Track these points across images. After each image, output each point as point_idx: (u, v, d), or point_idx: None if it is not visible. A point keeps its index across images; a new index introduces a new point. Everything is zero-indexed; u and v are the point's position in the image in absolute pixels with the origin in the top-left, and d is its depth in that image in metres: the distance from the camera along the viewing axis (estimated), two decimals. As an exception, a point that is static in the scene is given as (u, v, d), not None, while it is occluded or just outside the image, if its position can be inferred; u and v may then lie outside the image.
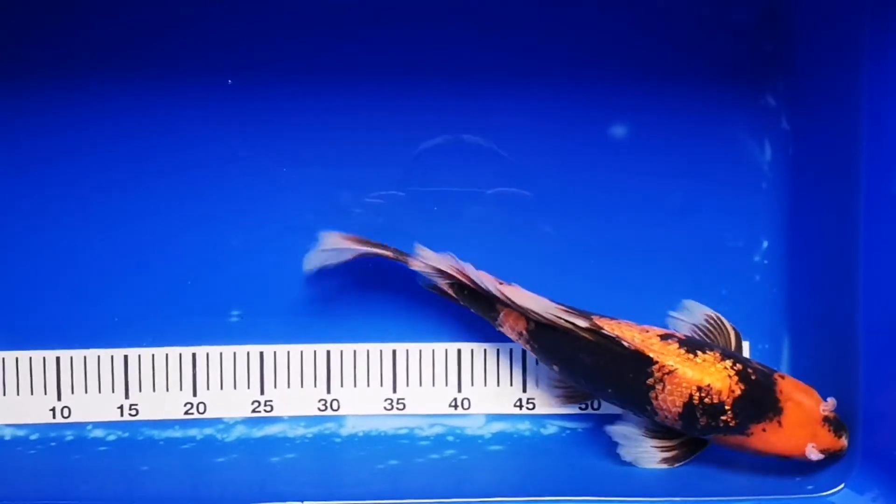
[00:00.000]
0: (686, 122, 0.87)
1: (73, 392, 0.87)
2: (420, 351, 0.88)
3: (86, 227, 0.86)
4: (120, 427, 0.87)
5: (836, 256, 0.83)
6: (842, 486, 0.80)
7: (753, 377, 0.80)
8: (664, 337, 0.81)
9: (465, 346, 0.88)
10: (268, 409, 0.88)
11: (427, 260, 0.84)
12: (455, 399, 0.88)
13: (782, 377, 0.81)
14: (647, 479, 0.82)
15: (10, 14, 0.85)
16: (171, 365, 0.87)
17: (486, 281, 0.83)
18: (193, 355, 0.87)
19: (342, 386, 0.88)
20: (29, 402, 0.86)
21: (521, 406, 0.88)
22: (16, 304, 0.86)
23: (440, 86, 0.87)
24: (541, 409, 0.88)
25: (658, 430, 0.83)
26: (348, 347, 0.88)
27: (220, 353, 0.87)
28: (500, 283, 0.83)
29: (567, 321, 0.81)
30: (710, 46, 0.87)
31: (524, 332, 0.83)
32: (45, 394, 0.86)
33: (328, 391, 0.88)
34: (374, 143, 0.87)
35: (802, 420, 0.80)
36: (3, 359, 0.86)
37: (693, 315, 0.84)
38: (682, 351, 0.81)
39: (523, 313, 0.83)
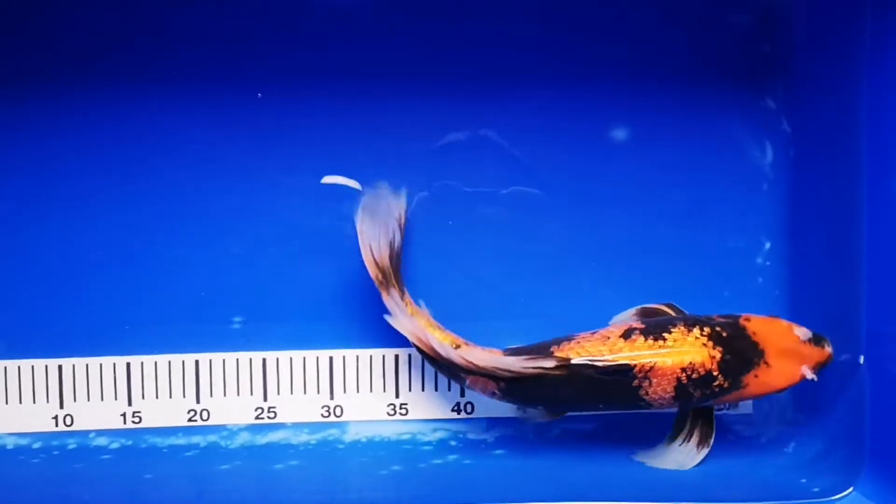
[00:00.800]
0: (687, 125, 0.87)
1: (75, 400, 0.86)
2: (412, 355, 0.87)
3: (87, 236, 0.86)
4: (123, 435, 0.87)
5: (838, 257, 0.83)
6: (850, 489, 0.80)
7: (725, 335, 0.80)
8: (626, 334, 0.81)
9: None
10: (271, 415, 0.87)
11: (394, 322, 0.82)
12: (458, 403, 0.88)
13: (747, 320, 0.81)
14: (654, 483, 0.82)
15: (27, 23, 0.85)
16: (174, 372, 0.87)
17: (447, 350, 0.81)
18: (196, 362, 0.87)
19: (345, 392, 0.88)
20: (31, 410, 0.86)
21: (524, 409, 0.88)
22: (17, 313, 0.86)
23: (448, 86, 0.87)
24: (544, 413, 0.88)
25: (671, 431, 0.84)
26: (350, 353, 0.87)
27: (223, 360, 0.87)
28: (460, 346, 0.82)
29: (534, 368, 0.80)
30: (711, 49, 0.87)
31: (496, 391, 0.82)
32: (48, 402, 0.86)
33: (331, 397, 0.88)
34: (382, 146, 0.87)
35: (785, 350, 0.80)
36: (5, 367, 0.86)
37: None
38: (651, 341, 0.80)
39: (489, 376, 0.81)
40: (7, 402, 0.86)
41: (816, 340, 0.81)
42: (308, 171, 0.87)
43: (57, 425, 0.86)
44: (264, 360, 0.87)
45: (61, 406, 0.87)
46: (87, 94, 0.85)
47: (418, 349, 0.82)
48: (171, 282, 0.87)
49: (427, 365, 0.87)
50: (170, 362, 0.87)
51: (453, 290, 0.87)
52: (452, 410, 0.88)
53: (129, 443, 0.87)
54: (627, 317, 0.85)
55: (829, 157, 0.84)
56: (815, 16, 0.85)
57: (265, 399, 0.87)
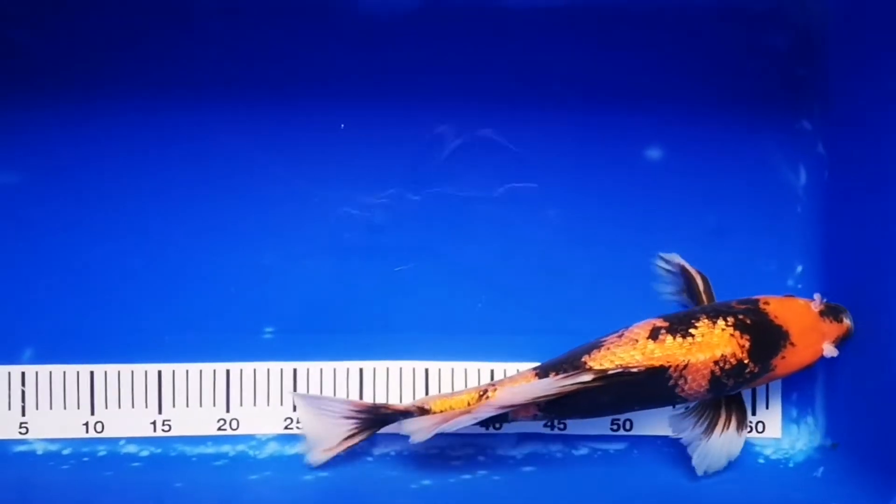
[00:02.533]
0: (721, 146, 0.87)
1: (106, 407, 0.87)
2: (452, 370, 0.88)
3: (120, 244, 0.87)
4: (153, 443, 0.87)
5: (871, 281, 0.83)
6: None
7: (749, 322, 0.81)
8: (653, 335, 0.81)
9: (498, 366, 0.88)
10: (301, 426, 0.87)
11: (418, 437, 0.81)
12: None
13: (766, 303, 0.82)
14: (681, 502, 0.82)
15: (66, 31, 0.86)
16: (205, 381, 0.87)
17: (478, 411, 0.80)
18: (227, 371, 0.87)
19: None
20: (62, 416, 0.86)
21: (551, 426, 0.88)
22: (50, 319, 0.86)
23: (471, 103, 0.88)
24: (572, 430, 0.88)
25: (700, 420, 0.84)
26: (381, 365, 0.88)
27: (254, 370, 0.87)
28: (486, 396, 0.81)
29: (572, 385, 0.80)
30: (746, 71, 0.87)
31: (538, 413, 0.82)
32: (79, 408, 0.87)
33: (360, 409, 0.88)
34: (406, 158, 0.88)
35: (807, 328, 0.82)
36: (37, 373, 0.86)
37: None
38: (679, 339, 0.81)
39: (528, 403, 0.81)
40: (38, 408, 0.87)
41: (835, 314, 0.83)
42: (341, 183, 0.87)
43: (87, 432, 0.87)
44: (294, 370, 0.88)
45: (92, 413, 0.87)
46: (125, 104, 0.86)
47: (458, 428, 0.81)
48: (204, 291, 0.87)
49: (458, 376, 0.87)
50: (200, 371, 0.87)
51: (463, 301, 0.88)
52: (481, 426, 0.88)
53: (159, 451, 0.87)
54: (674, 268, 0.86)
55: (864, 181, 0.84)
56: (851, 38, 0.85)
57: (295, 409, 0.88)
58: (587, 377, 0.80)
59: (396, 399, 0.88)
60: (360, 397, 0.88)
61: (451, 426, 0.80)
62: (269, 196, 0.87)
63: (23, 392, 0.86)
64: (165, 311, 0.87)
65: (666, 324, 0.82)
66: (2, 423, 0.86)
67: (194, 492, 0.83)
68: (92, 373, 0.87)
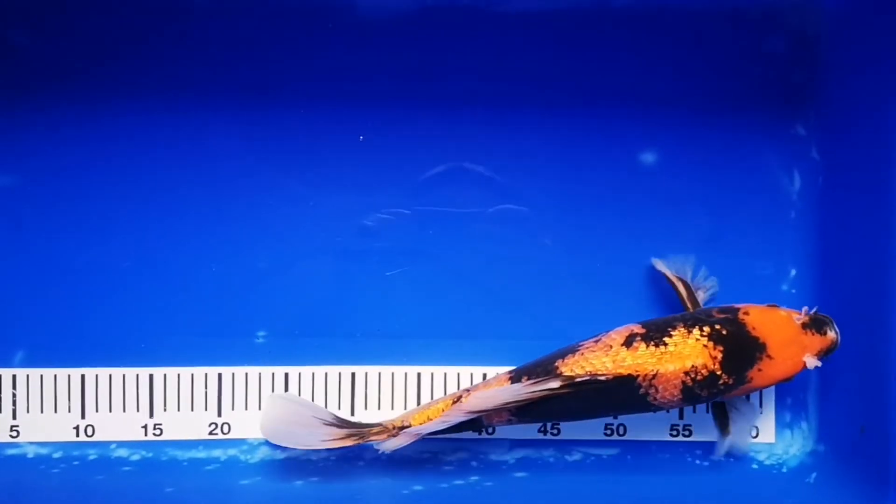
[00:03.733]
0: (716, 151, 0.87)
1: (97, 411, 0.86)
2: (445, 374, 0.88)
3: (112, 247, 0.86)
4: (144, 447, 0.86)
5: (865, 285, 0.83)
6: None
7: (725, 332, 0.80)
8: (628, 342, 0.80)
9: (491, 370, 0.88)
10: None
11: (389, 446, 0.81)
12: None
13: (746, 313, 0.81)
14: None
15: (60, 43, 0.86)
16: (197, 385, 0.87)
17: (451, 415, 0.80)
18: (219, 375, 0.87)
19: (366, 409, 0.87)
20: (52, 420, 0.86)
21: (545, 431, 0.88)
22: (42, 322, 0.86)
23: (476, 114, 0.87)
24: (565, 435, 0.87)
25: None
26: (373, 370, 0.87)
27: (246, 374, 0.87)
28: (459, 401, 0.81)
29: (542, 391, 0.79)
30: (741, 76, 0.87)
31: (512, 417, 0.81)
32: (69, 412, 0.86)
33: (352, 413, 0.87)
34: (395, 167, 0.87)
35: (786, 341, 0.80)
36: (28, 376, 0.86)
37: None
38: (652, 348, 0.80)
39: (500, 408, 0.81)
40: (28, 411, 0.86)
41: (818, 327, 0.81)
42: (336, 188, 0.87)
43: (78, 435, 0.86)
44: (286, 374, 0.87)
45: (83, 416, 0.86)
46: (122, 107, 0.86)
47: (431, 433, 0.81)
48: (196, 295, 0.87)
49: (450, 380, 0.87)
50: (192, 375, 0.87)
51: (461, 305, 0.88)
52: (475, 431, 0.88)
53: (150, 455, 0.86)
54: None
55: (858, 186, 0.84)
56: (846, 44, 0.85)
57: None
58: (555, 384, 0.79)
59: (388, 404, 0.87)
60: (352, 401, 0.88)
61: (423, 429, 0.80)
62: (263, 200, 0.87)
63: (14, 395, 0.86)
64: (158, 314, 0.87)
65: (643, 331, 0.81)
66: (-8, 426, 0.86)
67: (185, 496, 0.83)
68: (83, 376, 0.86)
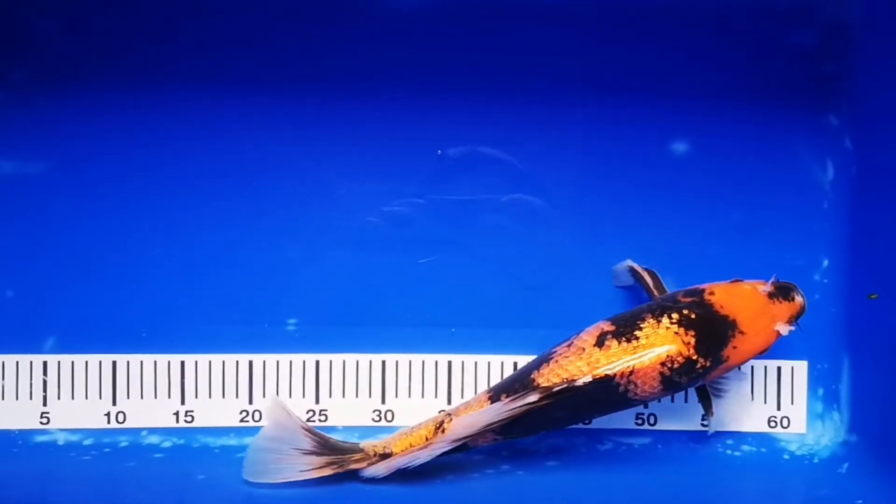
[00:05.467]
0: (748, 141, 0.87)
1: (128, 397, 0.86)
2: (476, 363, 0.88)
3: (144, 233, 0.86)
4: (175, 434, 0.86)
5: (897, 277, 0.83)
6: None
7: (694, 316, 0.79)
8: (599, 341, 0.80)
9: (521, 359, 0.87)
10: (322, 418, 0.87)
11: (373, 472, 0.81)
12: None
13: (711, 293, 0.81)
14: (706, 498, 0.82)
15: (89, 30, 0.85)
16: (228, 372, 0.87)
17: (437, 445, 0.80)
18: (250, 363, 0.87)
19: (396, 396, 0.87)
20: (83, 406, 0.86)
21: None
22: (72, 309, 0.86)
23: (496, 99, 0.87)
24: (596, 425, 0.87)
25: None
26: (403, 358, 0.87)
27: (277, 362, 0.87)
28: (441, 428, 0.81)
29: (520, 407, 0.79)
30: (773, 66, 0.87)
31: (497, 437, 0.81)
32: (100, 398, 0.86)
33: (383, 401, 0.87)
34: (427, 157, 0.87)
35: (755, 313, 0.80)
36: (59, 362, 0.86)
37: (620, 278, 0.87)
38: (624, 344, 0.79)
39: (484, 430, 0.80)
40: (59, 398, 0.86)
41: (785, 294, 0.81)
42: (367, 176, 0.87)
43: (109, 422, 0.86)
44: (317, 362, 0.87)
45: (114, 403, 0.86)
46: (151, 95, 0.86)
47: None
48: (228, 282, 0.87)
49: (481, 369, 0.87)
50: (223, 362, 0.87)
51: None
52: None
53: (181, 442, 0.86)
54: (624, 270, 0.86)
55: (892, 176, 0.84)
56: (879, 34, 0.85)
57: (317, 402, 0.87)
58: (534, 397, 0.79)
59: (418, 394, 0.87)
60: (383, 391, 0.88)
61: (409, 461, 0.80)
62: (294, 189, 0.87)
63: (44, 382, 0.86)
64: (189, 301, 0.86)
65: (613, 327, 0.81)
66: (23, 412, 0.86)
67: (217, 483, 0.83)
68: (114, 363, 0.86)
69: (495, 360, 0.87)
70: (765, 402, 0.88)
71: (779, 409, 0.88)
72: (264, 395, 0.87)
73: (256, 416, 0.87)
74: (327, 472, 0.81)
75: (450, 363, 0.87)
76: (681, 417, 0.87)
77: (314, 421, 0.87)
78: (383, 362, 0.87)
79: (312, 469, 0.81)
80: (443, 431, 0.81)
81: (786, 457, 0.87)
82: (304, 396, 0.87)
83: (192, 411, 0.87)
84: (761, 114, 0.87)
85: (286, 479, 0.81)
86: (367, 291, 0.87)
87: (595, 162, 0.87)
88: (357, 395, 0.87)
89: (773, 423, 0.87)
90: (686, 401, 0.87)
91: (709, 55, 0.87)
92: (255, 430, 0.86)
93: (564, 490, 0.84)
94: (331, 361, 0.87)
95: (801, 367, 0.88)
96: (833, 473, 0.86)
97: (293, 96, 0.87)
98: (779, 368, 0.88)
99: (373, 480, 0.81)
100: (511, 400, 0.79)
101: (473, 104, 0.87)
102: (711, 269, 0.87)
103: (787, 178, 0.87)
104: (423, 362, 0.88)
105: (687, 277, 0.86)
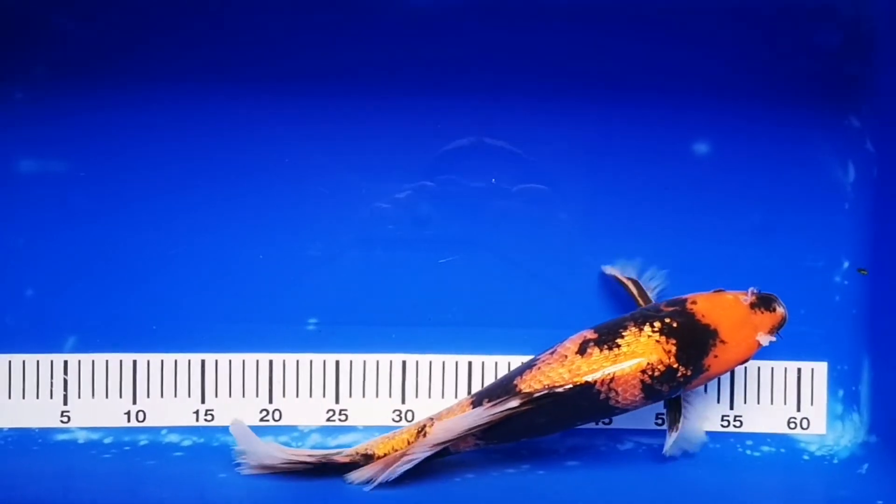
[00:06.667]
0: (769, 142, 0.87)
1: (148, 396, 0.86)
2: (496, 363, 0.88)
3: (164, 232, 0.86)
4: (195, 433, 0.86)
5: (918, 279, 0.83)
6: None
7: (676, 325, 0.80)
8: (582, 349, 0.80)
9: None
10: (343, 418, 0.87)
11: (362, 477, 0.81)
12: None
13: (693, 302, 0.81)
14: (726, 499, 0.82)
15: (109, 27, 0.85)
16: (248, 371, 0.87)
17: (418, 449, 0.80)
18: (270, 362, 0.87)
19: (416, 396, 0.87)
20: (104, 405, 0.86)
21: (595, 421, 0.88)
22: (93, 308, 0.86)
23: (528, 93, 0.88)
24: (616, 424, 0.87)
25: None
26: (424, 358, 0.87)
27: (297, 361, 0.87)
28: (423, 432, 0.81)
29: (503, 412, 0.79)
30: (794, 67, 0.87)
31: (479, 442, 0.81)
32: (120, 397, 0.86)
33: (403, 401, 0.87)
34: (453, 150, 0.87)
35: (737, 323, 0.80)
36: (79, 361, 0.86)
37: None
38: (606, 351, 0.80)
39: (465, 435, 0.81)
40: (80, 397, 0.86)
41: (766, 304, 0.81)
42: (387, 175, 0.87)
43: (129, 421, 0.86)
44: (337, 362, 0.87)
45: (134, 402, 0.86)
46: (173, 92, 0.86)
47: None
48: (248, 282, 0.87)
49: (501, 369, 0.87)
50: (244, 361, 0.87)
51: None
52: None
53: (202, 441, 0.86)
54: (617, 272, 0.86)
55: (913, 179, 0.84)
56: (900, 36, 0.86)
57: (337, 401, 0.87)
58: (515, 403, 0.79)
59: (438, 394, 0.87)
60: (403, 391, 0.88)
61: (393, 472, 0.80)
62: (314, 187, 0.87)
63: (65, 381, 0.86)
64: (209, 300, 0.86)
65: (595, 335, 0.81)
66: (44, 411, 0.86)
67: (237, 482, 0.83)
68: (135, 362, 0.86)
69: (515, 360, 0.87)
70: (784, 404, 0.88)
71: (798, 410, 0.88)
72: (284, 395, 0.87)
73: (276, 415, 0.87)
74: (308, 458, 0.81)
75: (470, 364, 0.87)
76: (701, 418, 0.87)
77: (334, 421, 0.87)
78: (404, 362, 0.87)
79: (294, 460, 0.81)
80: (424, 435, 0.81)
81: (805, 457, 0.87)
82: (324, 396, 0.87)
83: (211, 410, 0.87)
84: (782, 115, 0.87)
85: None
86: (387, 291, 0.87)
87: (617, 162, 0.87)
88: (377, 395, 0.87)
89: (792, 424, 0.87)
90: (705, 391, 0.88)
91: (730, 55, 0.87)
92: (275, 428, 0.87)
93: (585, 489, 0.84)
94: (351, 361, 0.87)
95: (821, 369, 0.88)
96: (853, 474, 0.86)
97: (314, 94, 0.87)
98: (799, 370, 0.88)
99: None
100: (492, 405, 0.80)
101: (492, 101, 0.87)
102: (731, 269, 0.87)
103: (808, 179, 0.87)
104: (444, 363, 0.87)
105: (707, 278, 0.86)
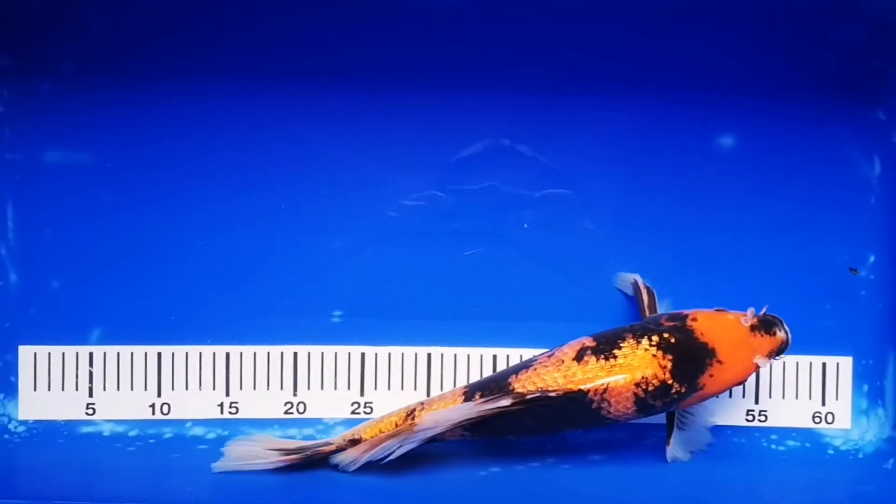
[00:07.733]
0: (795, 136, 0.87)
1: (173, 388, 0.86)
2: (521, 356, 0.87)
3: (190, 225, 0.86)
4: (220, 425, 0.87)
5: (944, 273, 0.83)
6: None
7: (674, 340, 0.79)
8: (579, 356, 0.80)
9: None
10: (367, 410, 0.87)
11: (349, 459, 0.81)
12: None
13: (694, 319, 0.80)
14: (753, 495, 0.82)
15: (136, 21, 0.85)
16: (273, 364, 0.87)
17: (405, 433, 0.80)
18: (295, 355, 0.87)
19: (441, 389, 0.88)
20: (128, 397, 0.86)
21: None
22: (118, 300, 0.86)
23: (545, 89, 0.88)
24: (642, 419, 0.87)
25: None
26: (449, 351, 0.87)
27: (322, 354, 0.87)
28: (412, 418, 0.81)
29: (493, 409, 0.79)
30: (821, 61, 0.87)
31: (465, 434, 0.81)
32: (145, 390, 0.86)
33: (428, 394, 0.87)
34: (477, 144, 0.87)
35: (736, 344, 0.79)
36: (105, 353, 0.86)
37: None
38: (602, 361, 0.79)
39: (453, 427, 0.80)
40: (105, 389, 0.86)
41: (767, 328, 0.80)
42: (412, 168, 0.87)
43: (154, 413, 0.86)
44: (362, 354, 0.87)
45: (159, 394, 0.86)
46: (197, 86, 0.86)
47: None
48: (273, 274, 0.87)
49: (515, 362, 0.87)
50: (268, 354, 0.87)
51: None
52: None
53: (226, 433, 0.86)
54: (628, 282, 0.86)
55: (939, 173, 0.84)
56: (926, 30, 0.85)
57: (362, 394, 0.87)
58: (506, 402, 0.79)
59: (463, 384, 0.88)
60: (428, 383, 0.88)
61: (379, 451, 0.80)
62: (339, 181, 0.87)
63: (90, 373, 0.86)
64: (234, 293, 0.87)
65: (594, 344, 0.81)
66: (69, 403, 0.86)
67: (261, 475, 0.83)
68: (159, 354, 0.86)
69: (527, 354, 0.87)
70: (809, 399, 0.88)
71: (823, 404, 0.88)
72: (309, 387, 0.87)
73: (301, 407, 0.87)
74: (297, 458, 0.82)
75: (495, 357, 0.87)
76: (724, 412, 0.87)
77: (359, 413, 0.87)
78: (428, 355, 0.87)
79: (285, 456, 0.82)
80: (413, 419, 0.81)
81: (830, 452, 0.87)
82: (348, 388, 0.87)
83: (236, 403, 0.87)
84: (808, 109, 0.87)
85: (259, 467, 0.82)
86: (412, 284, 0.87)
87: (643, 157, 0.87)
88: (402, 388, 0.87)
89: (817, 419, 0.87)
90: (730, 396, 0.88)
91: (756, 50, 0.87)
92: (300, 421, 0.87)
93: (610, 483, 0.84)
94: (376, 354, 0.87)
95: (846, 364, 0.88)
96: (878, 469, 0.86)
97: (340, 88, 0.87)
98: (823, 364, 0.88)
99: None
100: (484, 401, 0.80)
101: (515, 102, 0.87)
102: (757, 264, 0.87)
103: (834, 173, 0.87)
104: (469, 356, 0.87)
105: (733, 272, 0.87)
